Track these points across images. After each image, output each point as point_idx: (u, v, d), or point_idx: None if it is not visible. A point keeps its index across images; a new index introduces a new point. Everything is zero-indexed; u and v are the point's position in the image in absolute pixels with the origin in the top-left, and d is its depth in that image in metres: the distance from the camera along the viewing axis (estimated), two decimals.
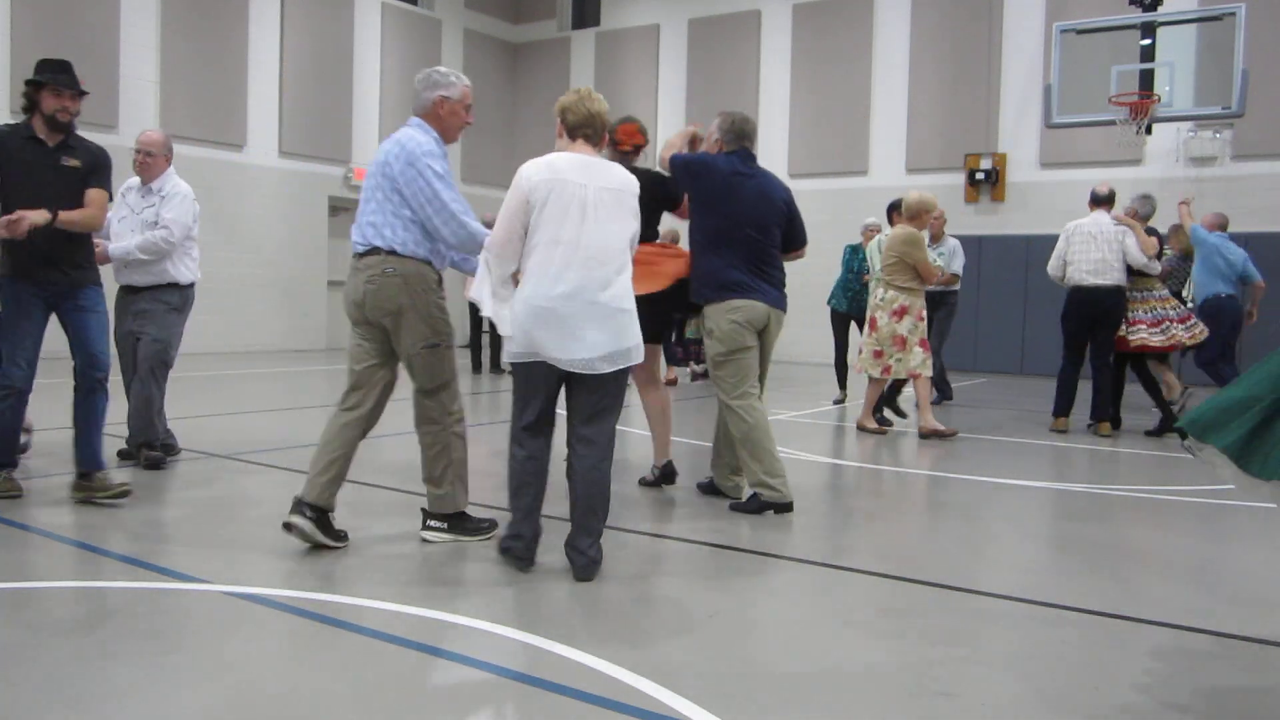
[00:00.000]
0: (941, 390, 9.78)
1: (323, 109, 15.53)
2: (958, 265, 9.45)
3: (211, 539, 4.09)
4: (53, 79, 4.45)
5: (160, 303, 5.50)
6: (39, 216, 4.30)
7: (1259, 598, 3.67)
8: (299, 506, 3.89)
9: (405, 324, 3.91)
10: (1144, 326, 7.87)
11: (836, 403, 9.82)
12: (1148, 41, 9.93)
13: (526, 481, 3.71)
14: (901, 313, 7.50)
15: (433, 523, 4.15)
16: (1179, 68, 9.81)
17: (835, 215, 15.47)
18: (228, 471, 5.54)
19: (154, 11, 13.40)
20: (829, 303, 9.94)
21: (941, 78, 14.80)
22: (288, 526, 3.87)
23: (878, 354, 7.59)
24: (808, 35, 15.93)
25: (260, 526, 4.32)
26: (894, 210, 8.44)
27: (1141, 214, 8.04)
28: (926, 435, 7.51)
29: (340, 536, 3.99)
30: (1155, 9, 10.06)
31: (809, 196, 15.90)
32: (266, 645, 2.91)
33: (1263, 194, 12.71)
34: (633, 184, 3.75)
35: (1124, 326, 7.91)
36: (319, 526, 3.89)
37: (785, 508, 4.79)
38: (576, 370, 3.56)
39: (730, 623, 3.25)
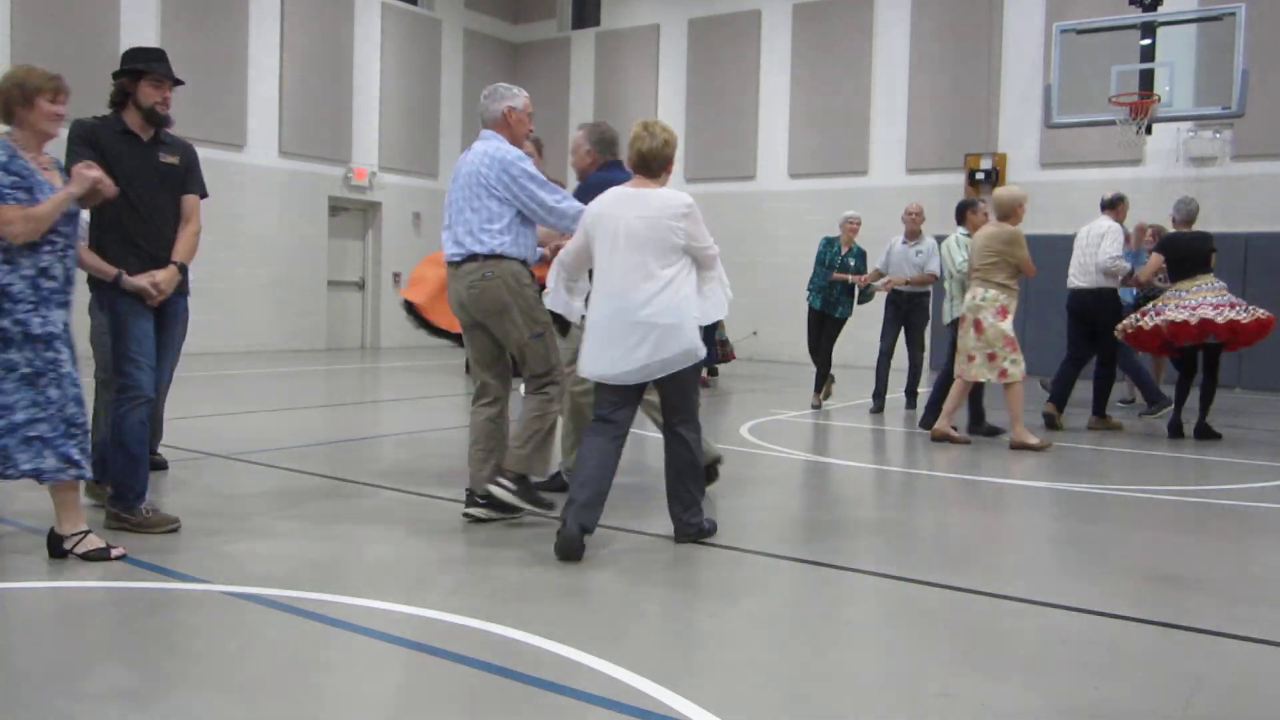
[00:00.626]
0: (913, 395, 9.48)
1: (323, 109, 15.52)
2: (934, 265, 9.03)
3: (211, 539, 4.09)
4: (153, 68, 4.21)
5: (184, 311, 5.02)
6: (167, 277, 4.16)
7: (1260, 598, 3.67)
8: (471, 497, 4.42)
9: (509, 320, 4.31)
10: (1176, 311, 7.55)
11: (815, 408, 9.42)
12: (1148, 41, 9.92)
13: (586, 463, 4.04)
14: (1004, 312, 7.17)
15: (502, 479, 4.34)
16: (1179, 68, 9.80)
17: (835, 215, 15.41)
18: (228, 471, 5.54)
19: (154, 11, 13.40)
20: (809, 300, 9.73)
21: (941, 78, 14.79)
22: (468, 516, 4.38)
23: (991, 357, 7.14)
24: (808, 35, 15.92)
25: (260, 526, 4.32)
26: (967, 209, 8.12)
27: (1179, 219, 7.98)
28: (1017, 447, 7.10)
29: (543, 502, 4.45)
30: (1155, 9, 10.05)
31: (809, 196, 15.91)
32: (266, 645, 2.91)
33: (1263, 194, 12.71)
34: (669, 208, 3.99)
35: (1146, 319, 7.66)
36: (522, 494, 4.35)
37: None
38: (620, 382, 4.02)
39: (730, 622, 3.25)
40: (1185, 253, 7.74)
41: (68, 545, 3.68)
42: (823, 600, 3.53)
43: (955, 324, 7.69)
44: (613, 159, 5.13)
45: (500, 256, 4.26)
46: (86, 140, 4.12)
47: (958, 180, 14.60)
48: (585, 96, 17.88)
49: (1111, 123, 10.02)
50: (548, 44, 18.56)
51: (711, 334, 11.20)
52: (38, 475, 3.58)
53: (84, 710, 2.43)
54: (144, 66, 4.22)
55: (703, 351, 4.03)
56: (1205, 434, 7.77)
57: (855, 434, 7.91)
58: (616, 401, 4.08)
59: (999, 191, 7.51)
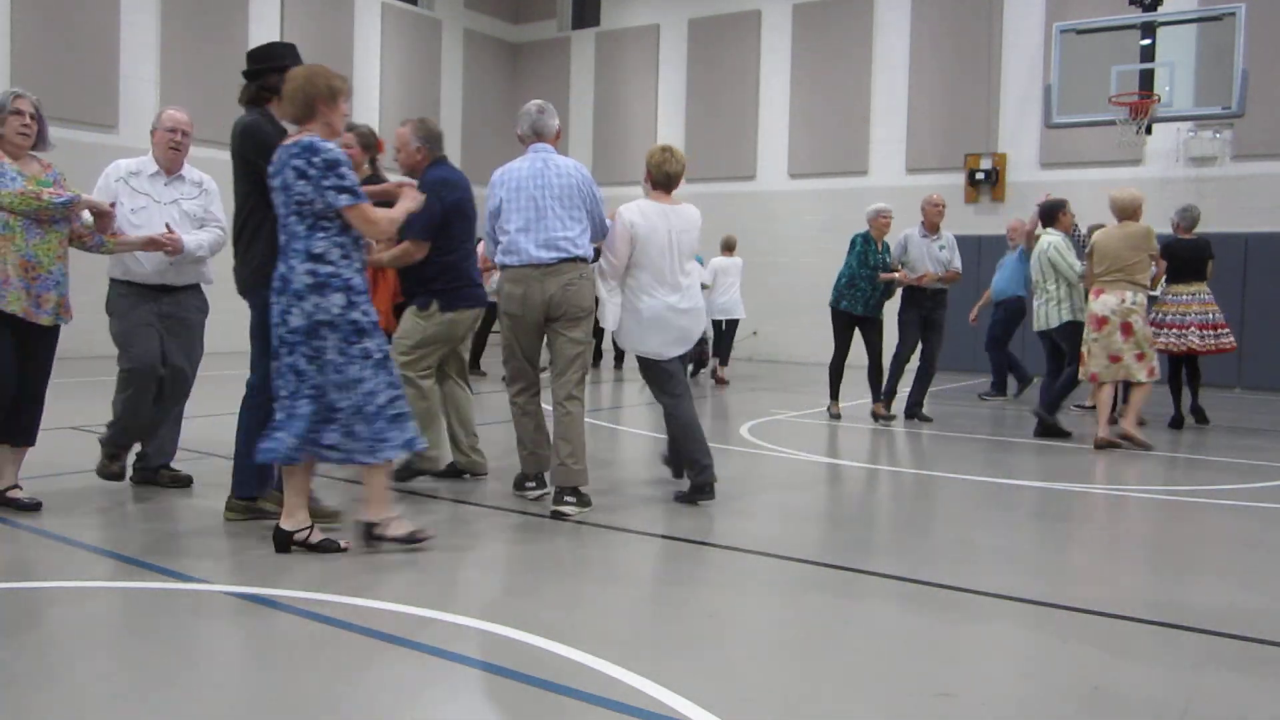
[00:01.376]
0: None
1: None
2: (958, 261, 8.69)
3: (211, 539, 4.09)
4: (297, 63, 4.19)
5: (194, 311, 5.14)
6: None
7: (1260, 598, 3.67)
8: (560, 494, 4.67)
9: (587, 321, 4.77)
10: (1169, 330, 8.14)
11: (834, 417, 8.64)
12: (1148, 41, 9.92)
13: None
14: (1145, 311, 7.30)
15: (569, 498, 4.64)
16: (1179, 68, 9.80)
17: (835, 215, 15.47)
18: (228, 472, 5.53)
19: (154, 11, 13.40)
20: (839, 304, 8.46)
21: (941, 78, 14.80)
22: (558, 515, 4.59)
23: (1140, 356, 7.13)
24: (808, 35, 15.92)
25: (261, 527, 4.32)
26: (1059, 210, 8.00)
27: (1183, 225, 8.30)
28: (1116, 442, 7.21)
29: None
30: (1155, 9, 10.05)
31: (809, 196, 15.92)
32: (267, 645, 2.91)
33: (1263, 194, 12.71)
34: (694, 221, 5.02)
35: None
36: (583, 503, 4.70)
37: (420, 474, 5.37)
38: (666, 357, 4.99)
39: (729, 622, 3.25)
40: (1185, 258, 8.13)
41: (381, 530, 3.92)
42: (823, 600, 3.53)
43: (1072, 327, 7.66)
44: (440, 155, 5.27)
45: (587, 262, 4.77)
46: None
47: (958, 180, 14.61)
48: (585, 97, 17.88)
49: (1111, 123, 10.02)
50: (548, 44, 18.56)
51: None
52: (412, 447, 3.89)
53: (83, 710, 2.43)
54: (290, 61, 4.36)
55: None
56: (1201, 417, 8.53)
57: (856, 434, 7.91)
58: (675, 373, 5.01)
59: (1119, 193, 7.43)
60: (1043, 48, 13.41)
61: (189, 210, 5.03)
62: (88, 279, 5.80)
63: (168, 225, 4.81)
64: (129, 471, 5.09)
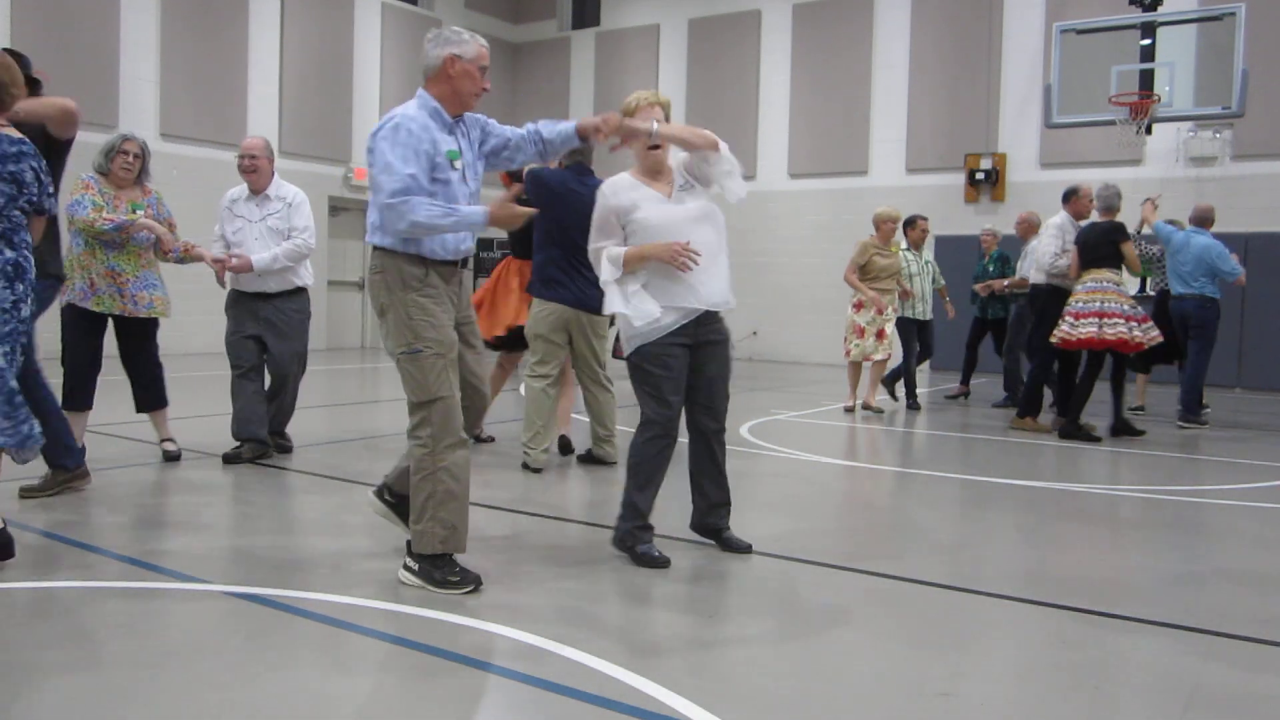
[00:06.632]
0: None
1: (323, 109, 15.52)
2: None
3: (211, 539, 4.09)
4: None
5: (294, 311, 5.90)
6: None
7: (1260, 598, 3.67)
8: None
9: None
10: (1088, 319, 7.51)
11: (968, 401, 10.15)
12: (1148, 41, 9.92)
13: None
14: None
15: (409, 561, 3.55)
16: (1179, 68, 9.80)
17: (835, 215, 15.48)
18: (228, 471, 5.55)
19: (154, 11, 13.40)
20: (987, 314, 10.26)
21: (941, 78, 14.80)
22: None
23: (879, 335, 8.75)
24: (808, 35, 15.92)
25: (260, 526, 4.32)
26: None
27: (1100, 206, 7.78)
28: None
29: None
30: (1155, 9, 10.05)
31: (809, 196, 15.91)
32: (267, 645, 2.91)
33: (1263, 194, 12.71)
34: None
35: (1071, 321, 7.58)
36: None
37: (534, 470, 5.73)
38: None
39: (729, 622, 3.25)
40: (1092, 243, 7.62)
41: None
42: (823, 600, 3.53)
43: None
44: (572, 164, 5.83)
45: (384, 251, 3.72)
46: None
47: (958, 180, 14.61)
48: (585, 96, 17.87)
49: (1111, 123, 10.02)
50: (548, 44, 18.56)
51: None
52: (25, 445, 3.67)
53: (83, 711, 2.43)
54: None
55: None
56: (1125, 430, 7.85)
57: (856, 434, 7.91)
58: None
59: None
60: (1043, 48, 13.41)
61: (273, 226, 5.78)
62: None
63: (226, 251, 5.75)
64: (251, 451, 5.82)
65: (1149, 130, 10.18)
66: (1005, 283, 9.82)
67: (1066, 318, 7.59)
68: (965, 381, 10.55)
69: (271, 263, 5.69)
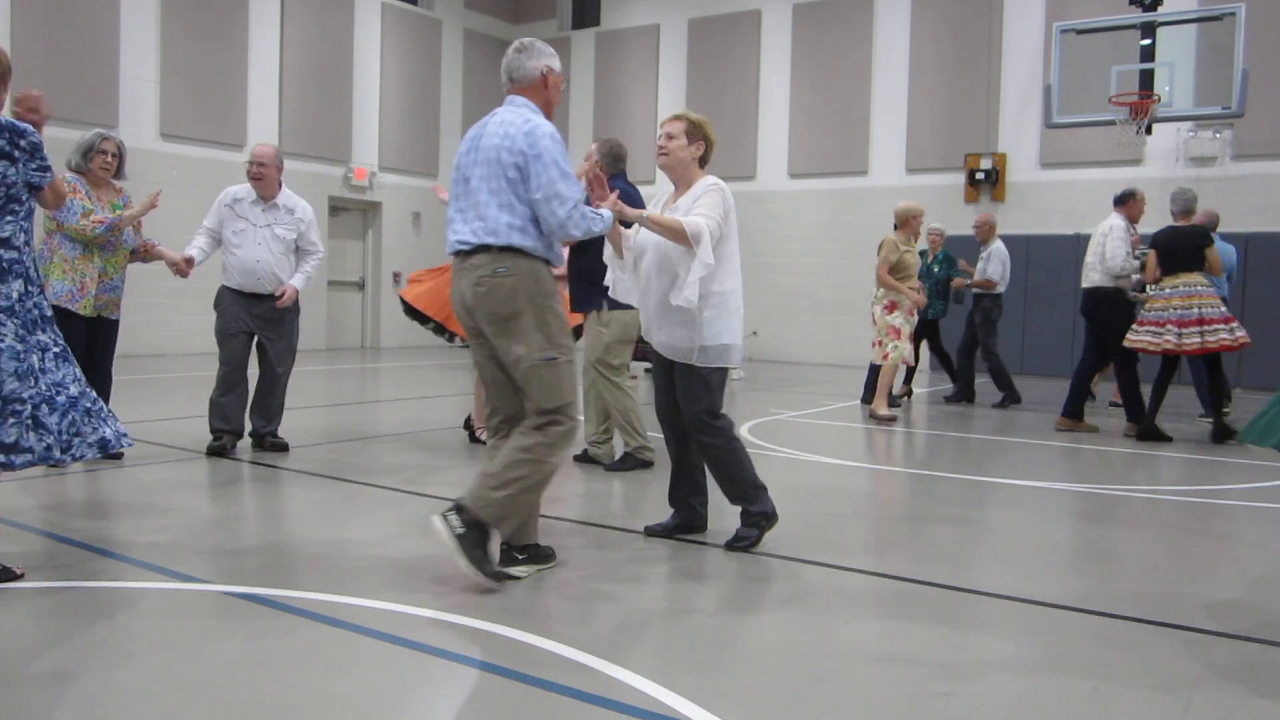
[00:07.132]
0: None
1: (323, 109, 15.52)
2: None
3: (211, 539, 4.09)
4: None
5: (288, 309, 5.99)
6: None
7: (1260, 599, 3.67)
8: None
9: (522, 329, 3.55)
10: (1147, 327, 7.61)
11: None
12: (1148, 41, 9.92)
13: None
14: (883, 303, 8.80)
15: (452, 515, 3.38)
16: (1179, 68, 9.80)
17: (835, 215, 15.48)
18: (228, 471, 5.54)
19: (154, 11, 13.40)
20: (926, 313, 10.09)
21: (941, 78, 14.80)
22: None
23: (875, 344, 8.72)
24: (808, 35, 15.92)
25: (260, 526, 4.32)
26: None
27: (1176, 211, 7.73)
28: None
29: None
30: (1155, 9, 10.05)
31: (809, 196, 15.91)
32: (267, 645, 2.91)
33: (1263, 194, 12.71)
34: None
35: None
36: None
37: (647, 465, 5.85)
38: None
39: (729, 622, 3.25)
40: (1175, 247, 7.58)
41: None
42: (822, 600, 3.53)
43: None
44: (615, 171, 5.72)
45: (522, 253, 3.52)
46: None
47: (958, 180, 14.61)
48: (585, 97, 17.87)
49: (1111, 123, 10.02)
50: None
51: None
52: (108, 448, 3.61)
53: (83, 711, 2.43)
54: None
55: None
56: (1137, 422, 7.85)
57: (857, 435, 7.91)
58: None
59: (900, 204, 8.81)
60: (1043, 48, 13.41)
61: (280, 235, 5.88)
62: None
63: (211, 247, 5.91)
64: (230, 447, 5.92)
65: (1149, 130, 10.18)
66: (968, 281, 10.11)
67: (1157, 325, 7.51)
68: (955, 380, 10.56)
69: (306, 284, 6.06)
